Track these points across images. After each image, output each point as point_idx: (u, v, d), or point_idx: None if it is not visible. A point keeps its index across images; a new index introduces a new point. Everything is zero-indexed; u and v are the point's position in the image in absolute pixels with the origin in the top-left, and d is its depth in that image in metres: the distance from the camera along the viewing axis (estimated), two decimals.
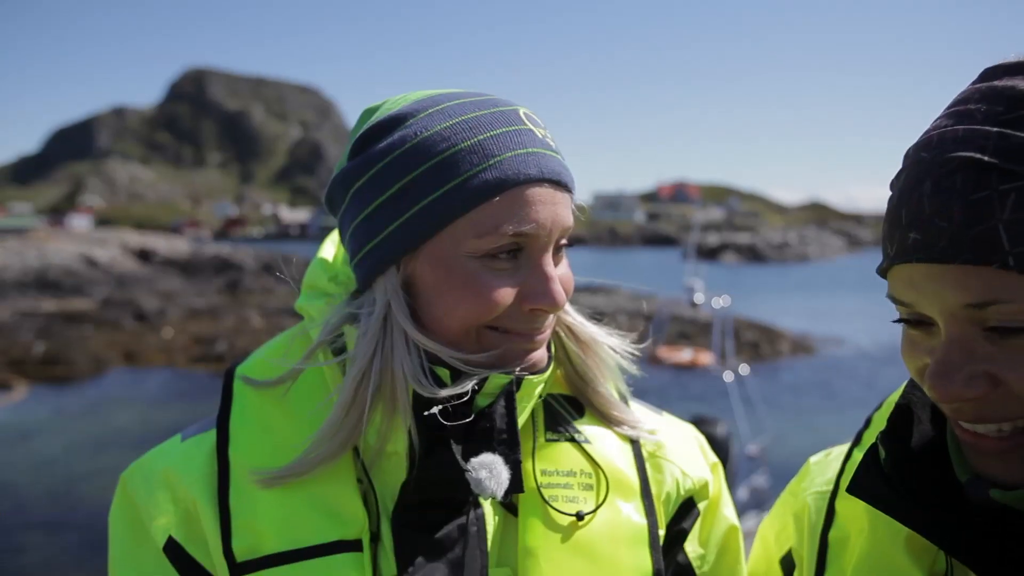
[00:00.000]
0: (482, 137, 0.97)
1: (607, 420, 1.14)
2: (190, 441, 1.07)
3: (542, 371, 1.03)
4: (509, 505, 1.04)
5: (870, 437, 1.06)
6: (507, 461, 0.99)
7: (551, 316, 1.03)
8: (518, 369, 1.01)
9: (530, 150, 0.98)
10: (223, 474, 1.01)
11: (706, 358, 17.19)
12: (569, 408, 1.13)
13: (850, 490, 0.93)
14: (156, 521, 1.01)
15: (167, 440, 1.11)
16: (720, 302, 13.30)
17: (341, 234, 1.08)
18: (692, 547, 1.15)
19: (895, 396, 0.99)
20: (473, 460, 0.97)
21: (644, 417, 1.18)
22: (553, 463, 1.07)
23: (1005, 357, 0.76)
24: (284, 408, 1.05)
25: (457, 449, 0.98)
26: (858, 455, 1.06)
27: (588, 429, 1.12)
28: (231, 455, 1.02)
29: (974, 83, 0.84)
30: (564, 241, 1.03)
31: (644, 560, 1.04)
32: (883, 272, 0.85)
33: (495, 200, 0.95)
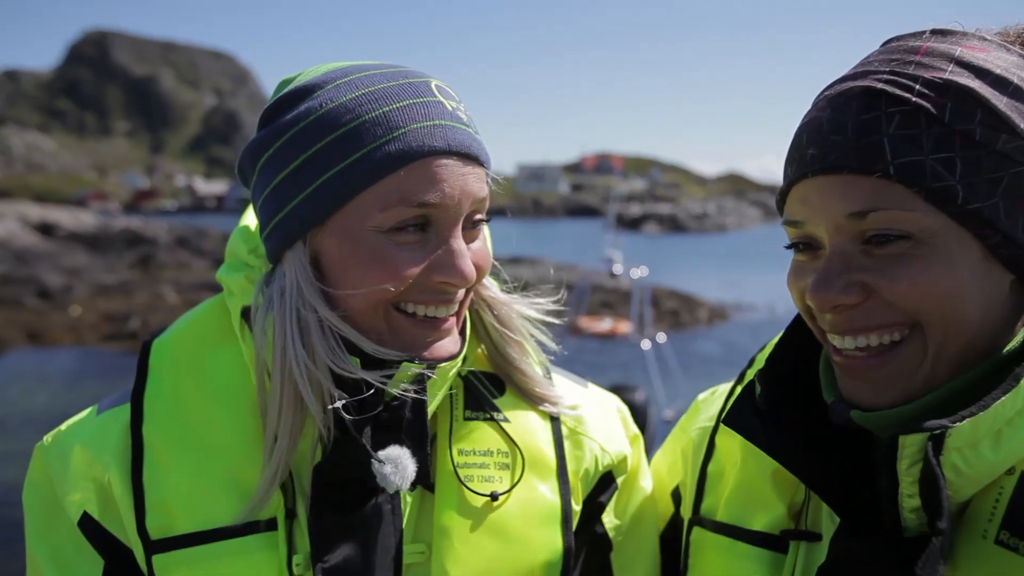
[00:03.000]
0: (387, 109, 0.95)
1: (528, 398, 1.13)
2: (106, 414, 1.05)
3: (452, 357, 1.02)
4: (427, 483, 1.04)
5: (752, 374, 1.12)
6: (414, 454, 0.98)
7: (460, 292, 1.02)
8: (426, 357, 0.99)
9: (437, 122, 0.96)
10: (136, 451, 0.99)
11: (625, 327, 17.59)
12: (490, 386, 1.12)
13: (725, 421, 1.00)
14: (70, 496, 1.00)
15: (84, 411, 1.09)
16: (638, 272, 13.62)
17: (254, 206, 1.06)
18: (609, 519, 1.18)
19: (777, 339, 1.07)
20: (380, 453, 0.96)
21: (566, 392, 1.18)
22: (470, 443, 1.07)
23: (878, 267, 0.85)
24: (201, 385, 1.03)
25: (367, 439, 0.96)
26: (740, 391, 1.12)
27: (508, 407, 1.11)
28: (145, 432, 1.00)
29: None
30: (480, 216, 1.01)
31: (555, 538, 1.06)
32: (783, 194, 0.94)
33: (399, 172, 0.94)
